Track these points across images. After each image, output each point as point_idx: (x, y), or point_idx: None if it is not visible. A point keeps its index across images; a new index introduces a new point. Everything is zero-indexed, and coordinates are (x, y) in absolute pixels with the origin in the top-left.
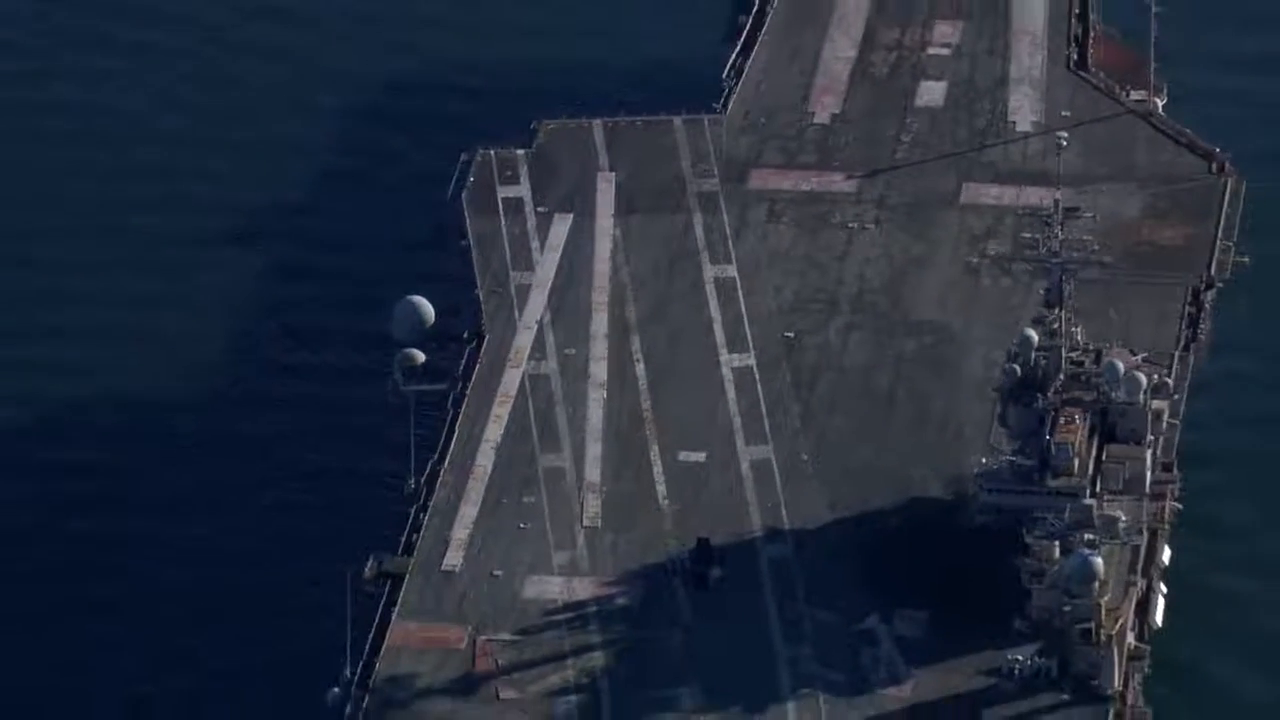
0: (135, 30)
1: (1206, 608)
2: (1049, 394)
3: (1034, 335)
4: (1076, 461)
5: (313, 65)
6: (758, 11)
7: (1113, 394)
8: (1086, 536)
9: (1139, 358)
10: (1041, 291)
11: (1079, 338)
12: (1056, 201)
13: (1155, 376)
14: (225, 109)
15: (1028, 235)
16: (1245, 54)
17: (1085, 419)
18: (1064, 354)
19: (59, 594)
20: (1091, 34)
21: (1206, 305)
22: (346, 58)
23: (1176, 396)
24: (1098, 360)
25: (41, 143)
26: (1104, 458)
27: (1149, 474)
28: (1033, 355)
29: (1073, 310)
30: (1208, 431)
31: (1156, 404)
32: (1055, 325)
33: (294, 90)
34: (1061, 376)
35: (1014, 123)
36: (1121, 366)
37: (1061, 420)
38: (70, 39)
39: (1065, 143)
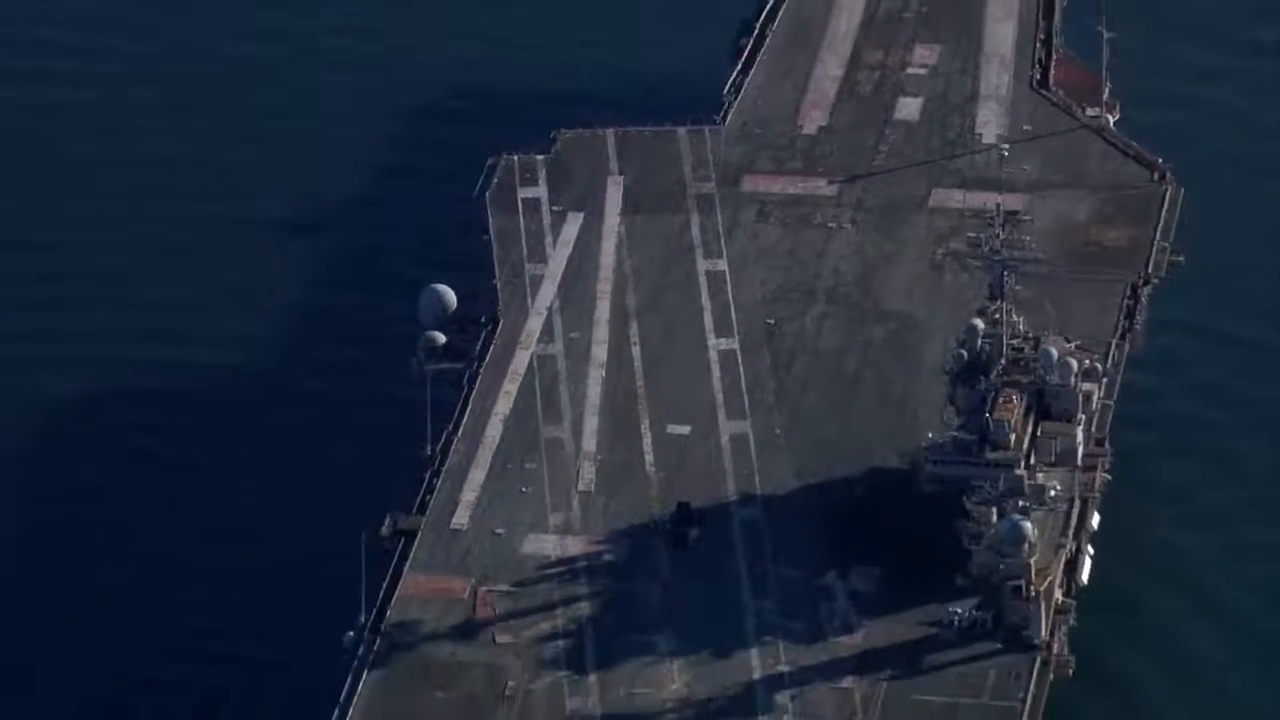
0: (202, 34)
1: (1144, 558)
2: (991, 376)
3: (980, 324)
4: (1013, 436)
5: (359, 78)
6: (758, 35)
7: (1047, 377)
8: (1020, 503)
9: (1073, 345)
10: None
11: (1020, 327)
12: (998, 206)
13: (1086, 362)
14: (268, 110)
15: (973, 235)
16: (1191, 74)
17: (1022, 399)
18: (1005, 341)
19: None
20: (1054, 56)
21: (1143, 299)
22: (387, 70)
23: (1106, 379)
24: (1036, 347)
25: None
26: (1038, 434)
27: (1080, 448)
28: (978, 342)
29: (1014, 302)
30: (1151, 401)
31: (1087, 386)
32: (997, 316)
33: (339, 99)
34: (1003, 361)
35: (980, 135)
36: (1055, 353)
37: (1000, 400)
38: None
39: (1007, 153)
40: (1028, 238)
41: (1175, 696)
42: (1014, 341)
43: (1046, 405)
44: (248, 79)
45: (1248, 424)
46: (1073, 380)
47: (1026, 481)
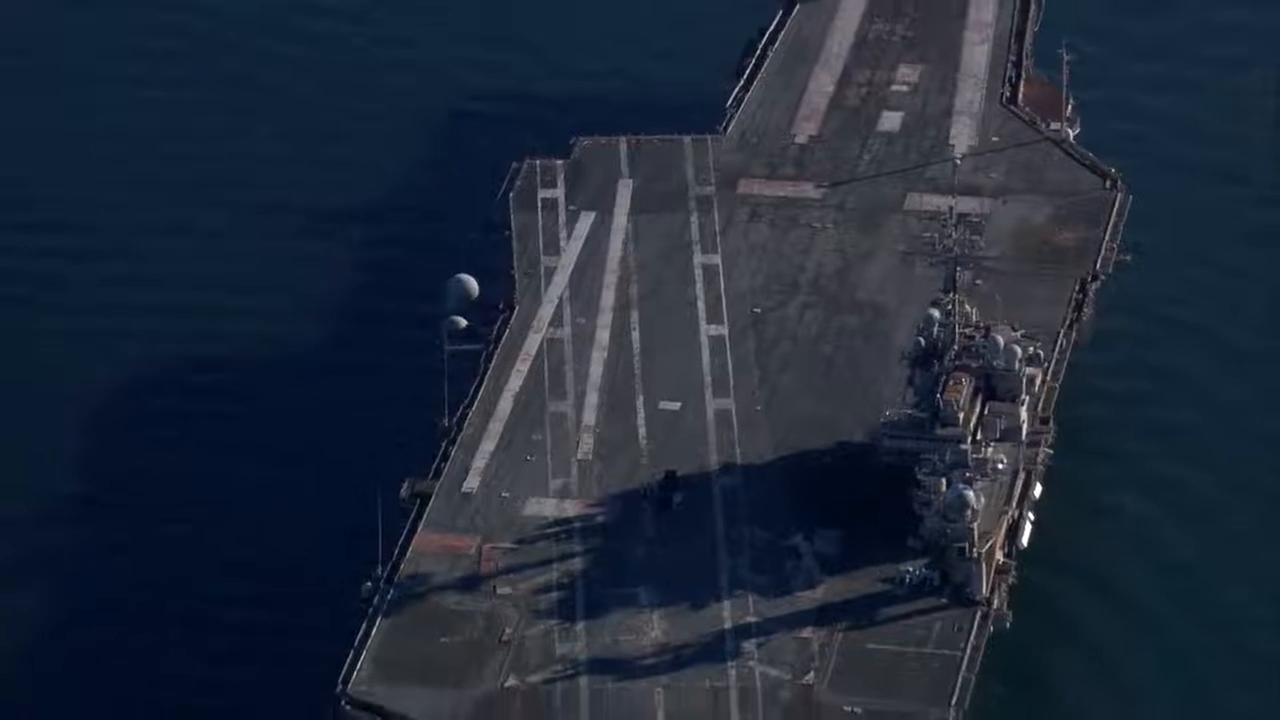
0: (246, 36)
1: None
2: (944, 361)
3: (936, 314)
4: (961, 415)
5: (395, 81)
6: (760, 54)
7: (994, 362)
8: (965, 475)
9: (1019, 333)
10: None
11: (973, 317)
12: (950, 208)
13: (1031, 349)
14: (311, 112)
15: (927, 235)
16: (1149, 89)
17: (971, 381)
18: (957, 329)
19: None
20: (1023, 77)
21: (1090, 293)
22: (422, 76)
23: (1051, 364)
24: (986, 335)
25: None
26: (985, 413)
27: (1025, 426)
28: (934, 330)
29: (966, 294)
30: (1102, 375)
31: (1030, 370)
32: (949, 306)
33: (377, 103)
34: (955, 348)
35: (953, 146)
36: (1002, 340)
37: (950, 382)
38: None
39: (959, 161)
40: (977, 237)
41: (1109, 642)
42: (966, 330)
43: (993, 387)
44: (291, 79)
45: (1187, 400)
46: (1017, 365)
47: (971, 455)
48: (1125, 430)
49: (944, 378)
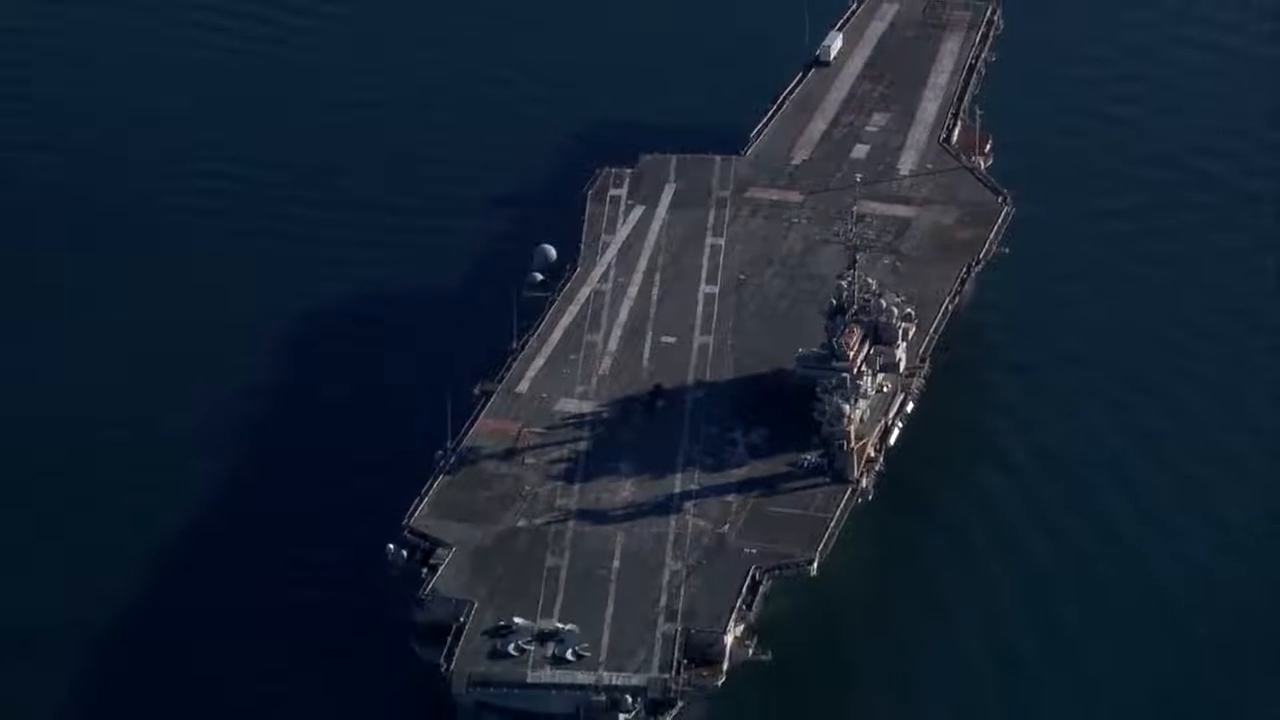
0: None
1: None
2: (846, 315)
3: (844, 284)
4: (851, 353)
5: (502, 101)
6: (780, 104)
7: (879, 318)
8: (847, 394)
9: (900, 299)
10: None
11: (872, 286)
12: (853, 211)
13: (907, 310)
14: (458, 134)
15: (835, 228)
16: (1050, 137)
17: (860, 330)
18: (857, 294)
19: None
20: (959, 123)
21: (972, 275)
22: (545, 109)
23: (917, 321)
24: (877, 299)
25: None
26: (870, 352)
27: (902, 362)
28: (843, 294)
29: (865, 269)
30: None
31: (905, 325)
32: (851, 278)
33: (485, 117)
34: (855, 306)
35: (899, 170)
36: (885, 303)
37: (845, 330)
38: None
39: (860, 179)
40: (870, 232)
41: (955, 520)
42: (864, 295)
43: (879, 335)
44: (404, 97)
45: (1034, 346)
46: (895, 321)
47: (852, 381)
48: (991, 369)
49: (843, 327)
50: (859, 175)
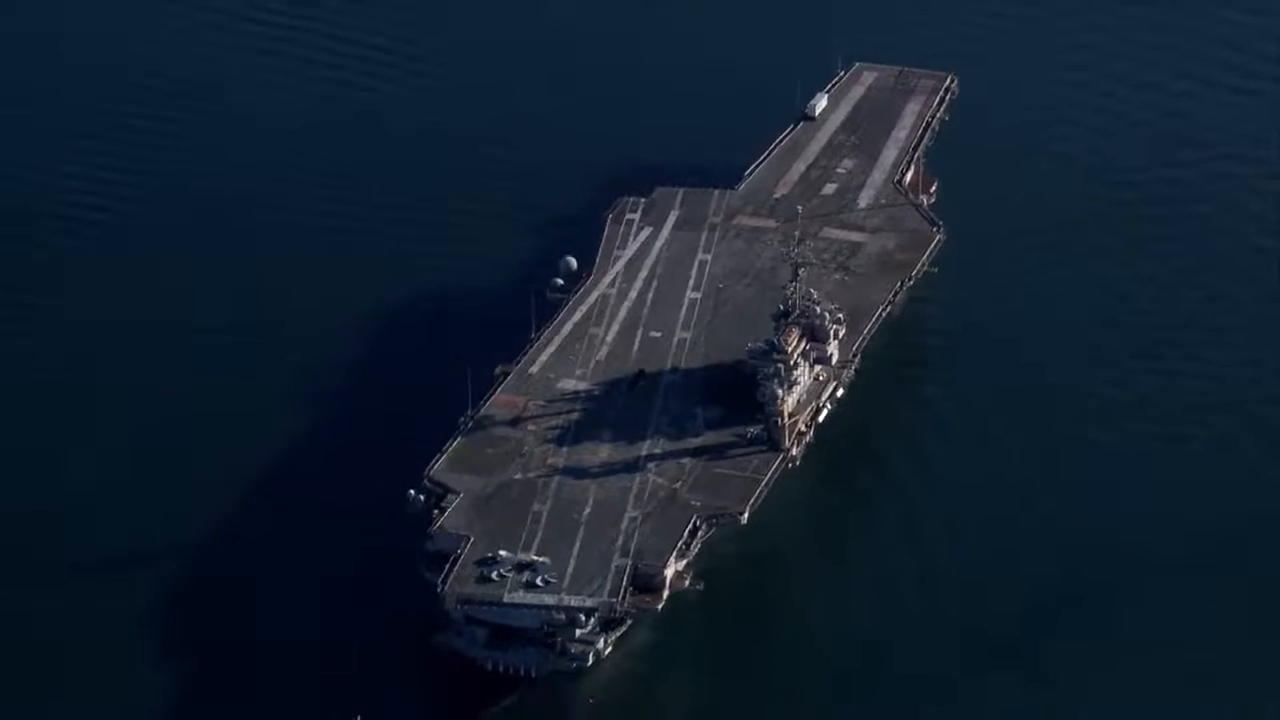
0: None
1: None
2: (789, 318)
3: (788, 292)
4: (788, 348)
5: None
6: (770, 152)
7: (815, 321)
8: (781, 380)
9: (834, 306)
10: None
11: (813, 294)
12: (798, 234)
13: (838, 315)
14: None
15: (783, 248)
16: (989, 181)
17: (798, 330)
18: (798, 301)
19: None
20: (912, 167)
21: (903, 289)
22: (580, 141)
23: (849, 324)
24: (815, 304)
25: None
26: (806, 347)
27: (834, 356)
28: (788, 301)
29: (806, 281)
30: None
31: (836, 327)
32: (794, 288)
33: (523, 144)
34: (796, 311)
35: (859, 203)
36: (819, 309)
37: (785, 329)
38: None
39: (800, 210)
40: (810, 254)
41: (873, 486)
42: (805, 302)
43: (814, 334)
44: (470, 134)
45: (953, 348)
46: (828, 323)
47: (785, 369)
48: (916, 367)
49: (784, 327)
50: (799, 206)
